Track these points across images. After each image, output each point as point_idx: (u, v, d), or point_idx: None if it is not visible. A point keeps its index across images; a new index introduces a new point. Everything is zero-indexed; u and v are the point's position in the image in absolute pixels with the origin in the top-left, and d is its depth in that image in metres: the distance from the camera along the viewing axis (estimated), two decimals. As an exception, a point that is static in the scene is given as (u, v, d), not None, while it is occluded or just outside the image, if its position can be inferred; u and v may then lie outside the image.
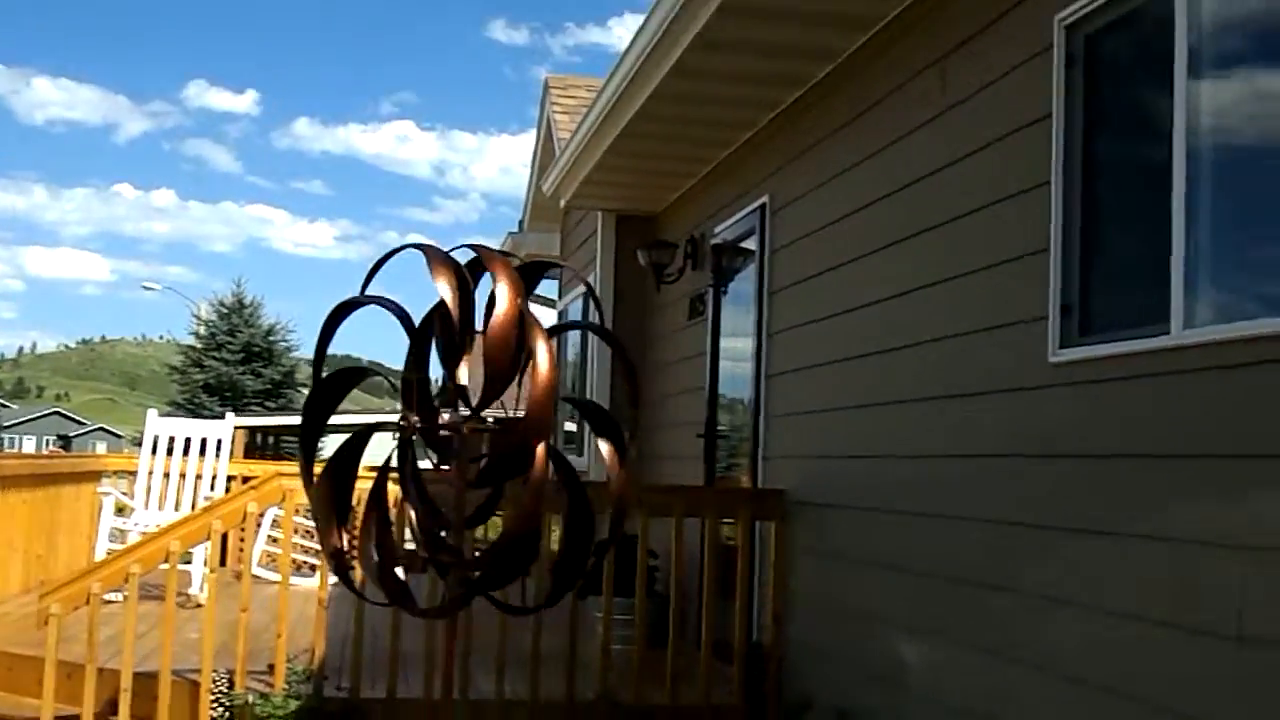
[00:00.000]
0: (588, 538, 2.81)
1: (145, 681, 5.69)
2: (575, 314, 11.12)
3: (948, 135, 4.81)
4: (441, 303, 2.56)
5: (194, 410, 30.40)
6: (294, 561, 10.12)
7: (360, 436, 2.81)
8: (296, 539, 10.33)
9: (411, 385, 2.69)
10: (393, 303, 2.72)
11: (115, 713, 5.64)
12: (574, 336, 10.97)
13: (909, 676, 4.95)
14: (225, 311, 35.09)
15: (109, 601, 6.32)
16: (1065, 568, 3.92)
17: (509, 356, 2.47)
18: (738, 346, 7.39)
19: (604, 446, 2.75)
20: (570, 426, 10.77)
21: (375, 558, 2.74)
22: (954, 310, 4.70)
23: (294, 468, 6.82)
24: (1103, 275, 3.89)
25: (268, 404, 32.48)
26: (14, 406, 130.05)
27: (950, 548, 4.67)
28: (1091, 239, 3.90)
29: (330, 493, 2.77)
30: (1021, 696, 4.15)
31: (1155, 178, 3.51)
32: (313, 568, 10.09)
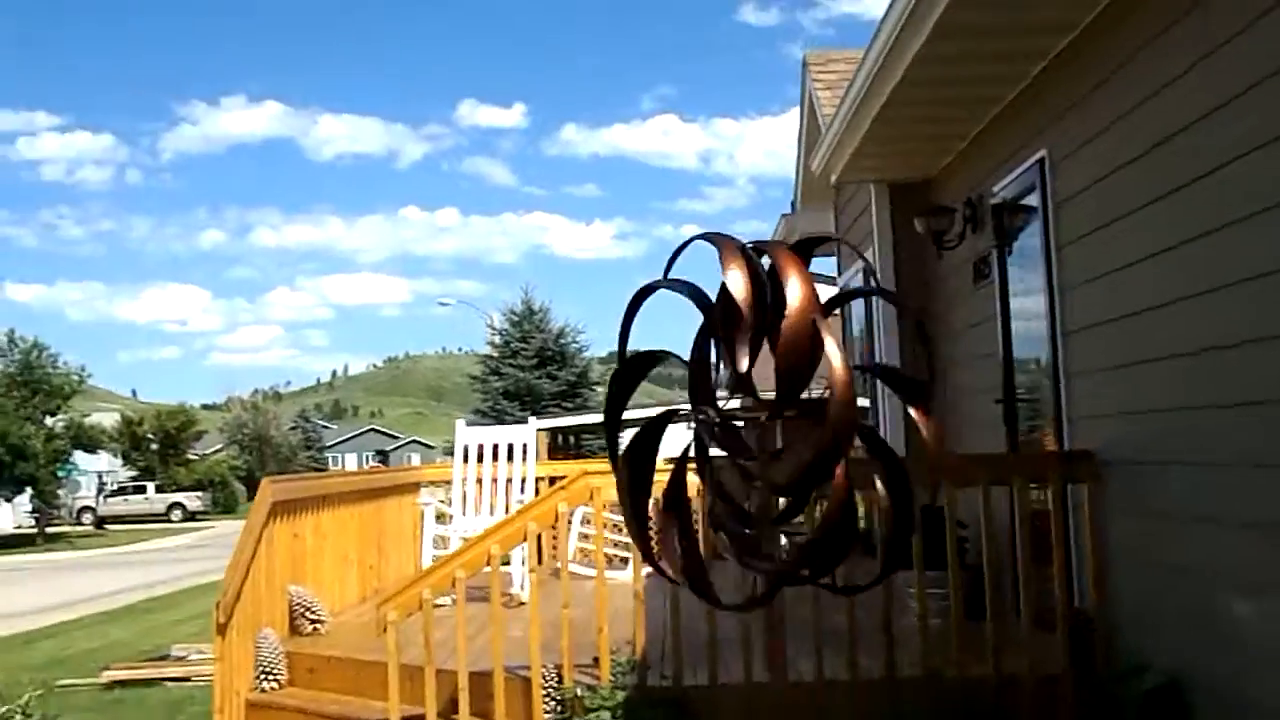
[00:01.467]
0: (909, 511, 2.79)
1: (480, 680, 5.99)
2: (856, 285, 11.02)
3: (1241, 61, 4.53)
4: (726, 292, 2.58)
5: (496, 416, 31.71)
6: (606, 556, 10.45)
7: (656, 424, 2.87)
8: (607, 534, 10.66)
9: (700, 376, 2.73)
10: (689, 284, 2.76)
11: (456, 711, 5.96)
12: (857, 311, 10.87)
13: (1244, 635, 4.71)
14: (516, 319, 36.47)
15: (439, 605, 6.67)
16: None
17: (806, 352, 2.47)
18: (1028, 307, 7.18)
19: (916, 416, 2.71)
20: (863, 402, 10.69)
21: (679, 552, 2.80)
22: (1256, 251, 4.43)
23: (599, 465, 7.03)
24: None
25: (564, 404, 33.56)
26: (334, 427, 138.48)
27: (1275, 496, 4.41)
28: None
29: (630, 482, 2.84)
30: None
31: None
32: (624, 561, 10.37)
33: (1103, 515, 5.97)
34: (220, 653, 6.78)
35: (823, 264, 13.82)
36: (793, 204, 13.32)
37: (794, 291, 2.50)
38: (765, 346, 2.65)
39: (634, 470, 2.93)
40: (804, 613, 5.84)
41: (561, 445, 23.90)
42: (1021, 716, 5.76)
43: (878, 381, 9.56)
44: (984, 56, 6.62)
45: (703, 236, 2.73)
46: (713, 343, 2.80)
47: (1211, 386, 4.95)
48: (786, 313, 2.49)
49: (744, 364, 2.54)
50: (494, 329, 37.47)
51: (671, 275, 2.82)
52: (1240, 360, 4.67)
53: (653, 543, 2.96)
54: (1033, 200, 6.94)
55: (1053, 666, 5.88)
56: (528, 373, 34.71)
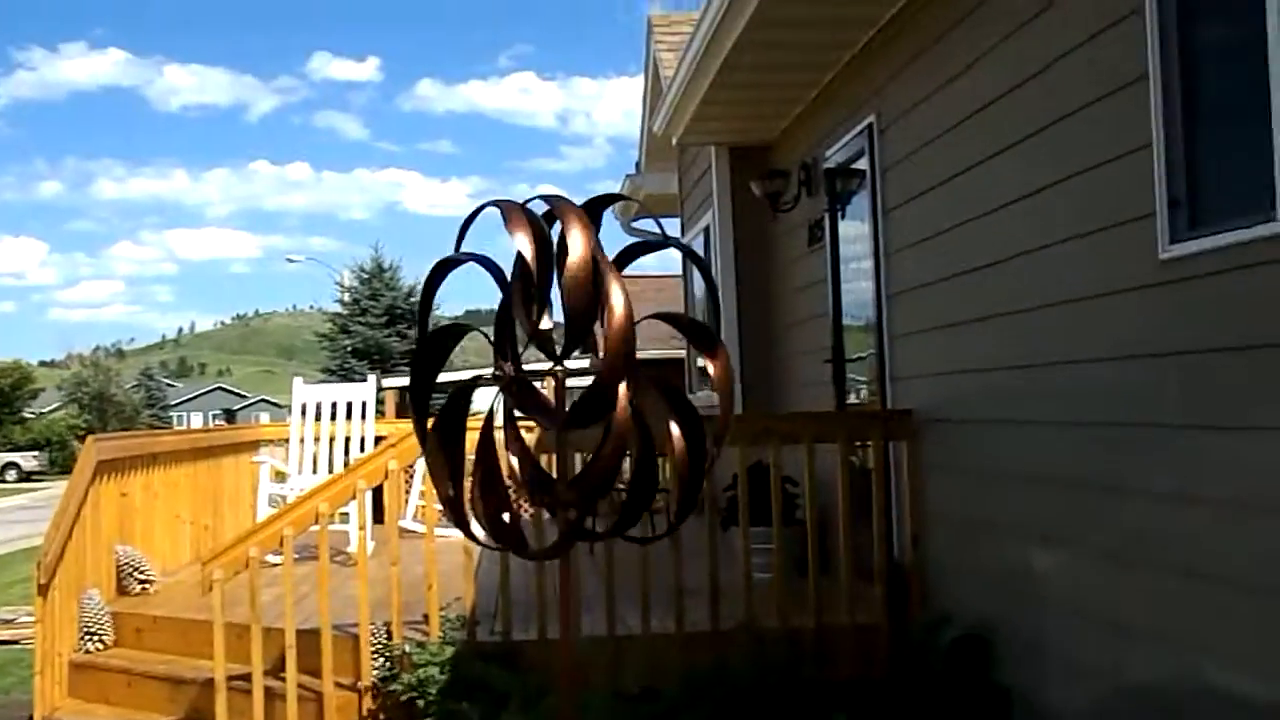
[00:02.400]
0: (699, 466, 2.88)
1: (309, 638, 5.96)
2: (699, 251, 11.14)
3: (1047, 35, 4.71)
4: (519, 255, 2.65)
5: (345, 375, 31.31)
6: (442, 513, 10.45)
7: (462, 391, 2.93)
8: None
9: (503, 338, 2.79)
10: (484, 258, 2.82)
11: (283, 669, 5.93)
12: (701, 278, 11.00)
13: (1042, 587, 4.95)
14: (366, 277, 35.97)
15: (270, 564, 6.62)
16: (1193, 466, 3.88)
17: (586, 300, 2.55)
18: (859, 269, 7.36)
19: (706, 363, 2.81)
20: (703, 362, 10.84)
21: (484, 506, 2.86)
22: (1064, 215, 4.64)
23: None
24: (1208, 167, 3.80)
25: (415, 364, 33.27)
26: (180, 385, 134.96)
27: (1076, 454, 4.64)
28: (1194, 131, 3.80)
29: (441, 446, 2.90)
30: (1150, 598, 4.13)
31: (1253, 62, 3.41)
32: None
33: (920, 472, 6.19)
34: (41, 614, 6.63)
35: (670, 225, 13.94)
36: (637, 164, 13.41)
37: (575, 241, 2.58)
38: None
39: (444, 434, 2.97)
40: (633, 570, 5.95)
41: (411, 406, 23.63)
42: (840, 664, 5.96)
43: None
44: (816, 22, 6.75)
45: (490, 204, 2.78)
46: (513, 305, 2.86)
47: (1017, 348, 5.16)
48: (568, 262, 2.57)
49: (537, 320, 2.60)
50: (343, 286, 36.98)
51: (474, 243, 2.87)
52: (1042, 322, 4.88)
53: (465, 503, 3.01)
54: (862, 165, 7.11)
55: (870, 618, 6.10)
56: (377, 331, 34.35)
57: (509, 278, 2.79)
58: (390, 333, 34.51)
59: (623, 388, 2.60)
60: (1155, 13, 3.88)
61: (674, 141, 9.79)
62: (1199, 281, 3.79)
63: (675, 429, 2.75)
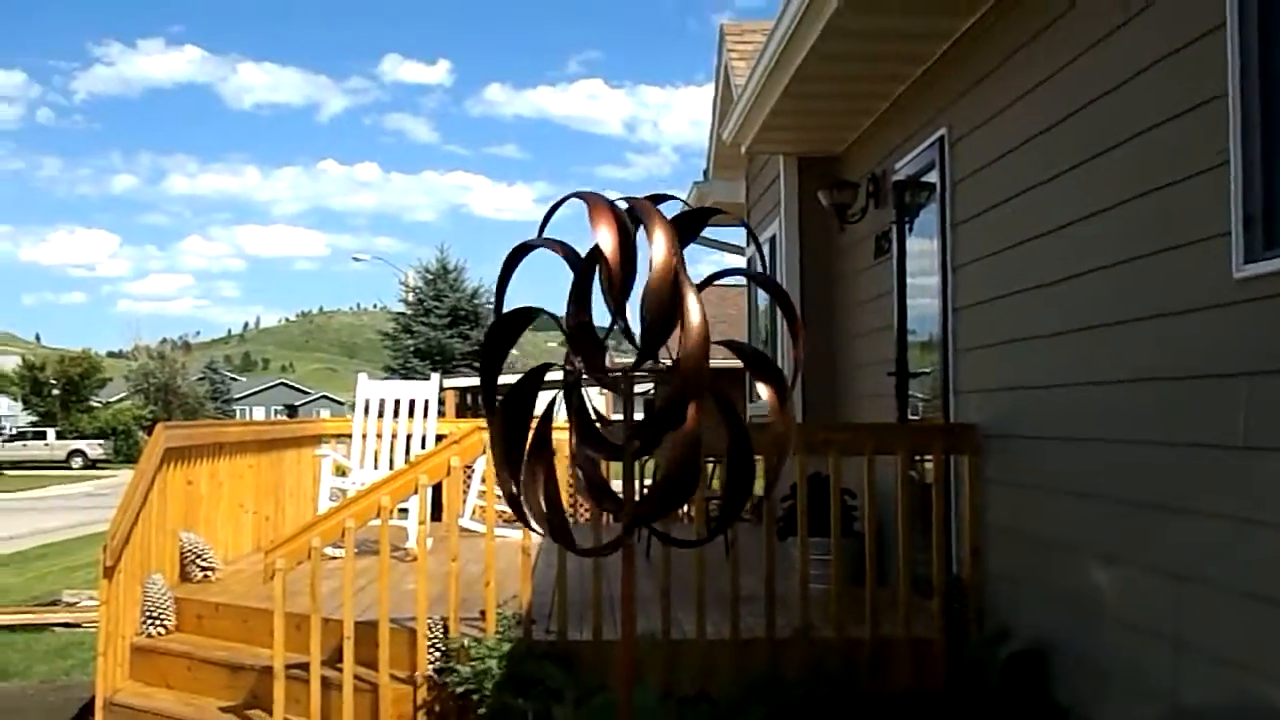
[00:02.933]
0: (748, 478, 2.89)
1: (367, 630, 6.03)
2: (766, 260, 11.14)
3: (1124, 51, 4.69)
4: (596, 249, 2.66)
5: (407, 374, 31.53)
6: (500, 513, 10.52)
7: (529, 380, 2.95)
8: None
9: (577, 329, 2.81)
10: (562, 244, 2.83)
11: (340, 659, 6.00)
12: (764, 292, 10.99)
13: (1101, 604, 4.90)
14: (431, 278, 36.24)
15: (332, 557, 6.70)
16: (1263, 488, 3.83)
17: (665, 309, 2.54)
18: (925, 283, 7.34)
19: (764, 390, 2.80)
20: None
21: (541, 501, 2.88)
22: (1136, 232, 4.60)
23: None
24: (1286, 185, 3.76)
25: (475, 365, 33.40)
26: (243, 379, 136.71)
27: (1141, 473, 4.60)
28: (1273, 148, 3.76)
29: (504, 435, 2.92)
30: (1212, 619, 4.08)
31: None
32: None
33: (982, 487, 6.15)
34: (106, 596, 6.75)
35: (732, 235, 13.96)
36: (705, 172, 13.42)
37: (659, 246, 2.58)
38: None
39: (508, 423, 3.00)
40: (689, 575, 5.97)
41: (471, 405, 23.82)
42: (895, 677, 5.93)
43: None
44: (889, 34, 6.74)
45: (575, 195, 2.80)
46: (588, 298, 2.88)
47: (1083, 365, 5.12)
48: (652, 267, 2.57)
49: (617, 315, 2.62)
50: (408, 286, 37.25)
51: (549, 234, 2.89)
52: (1111, 340, 4.84)
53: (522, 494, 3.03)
54: (932, 178, 7.09)
55: (926, 631, 6.07)
56: (439, 331, 34.56)
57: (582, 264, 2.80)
58: (453, 334, 34.71)
59: (691, 411, 2.60)
60: (1237, 30, 3.85)
61: (743, 150, 9.80)
62: (1273, 301, 3.75)
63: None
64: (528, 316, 2.93)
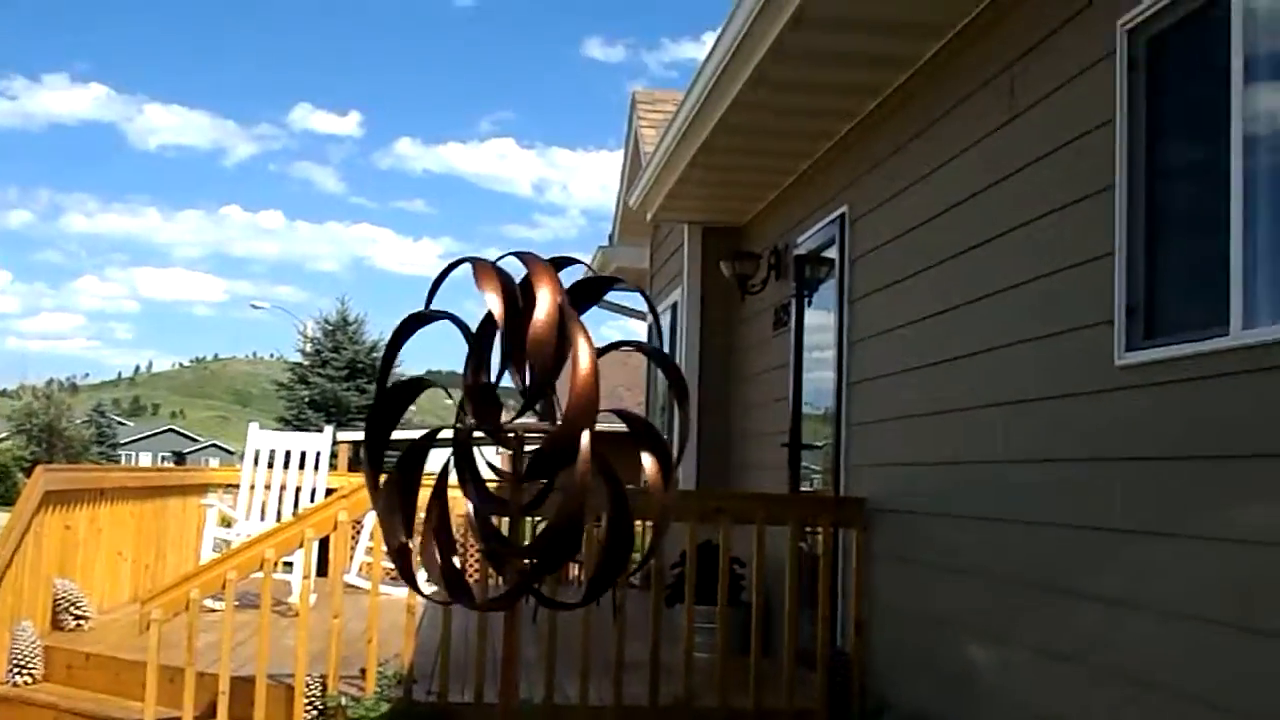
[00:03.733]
0: (626, 540, 2.91)
1: (243, 685, 5.89)
2: (667, 327, 11.20)
3: (1016, 141, 4.84)
4: (489, 313, 2.69)
5: (300, 425, 31.06)
6: (387, 570, 10.37)
7: (421, 445, 2.95)
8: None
9: (471, 391, 2.82)
10: (452, 315, 2.85)
11: (214, 715, 5.85)
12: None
13: (982, 681, 4.97)
14: (330, 329, 35.85)
15: (210, 610, 6.55)
16: (1137, 570, 3.92)
17: (550, 355, 2.58)
18: (822, 356, 7.43)
19: (647, 461, 2.83)
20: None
21: (436, 555, 2.86)
22: (1024, 315, 4.72)
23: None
24: (1167, 277, 3.89)
25: (372, 419, 33.07)
26: (131, 424, 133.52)
27: (1023, 552, 4.68)
28: (1155, 241, 3.90)
29: (396, 498, 2.91)
30: (1094, 701, 4.15)
31: (1214, 179, 3.51)
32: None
33: (869, 561, 6.21)
34: (-29, 642, 6.52)
35: (637, 299, 14.02)
36: (610, 237, 13.50)
37: (542, 296, 2.62)
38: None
39: (402, 483, 2.98)
40: (576, 641, 5.93)
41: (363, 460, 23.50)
42: (777, 750, 5.94)
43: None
44: (795, 111, 6.87)
45: (462, 260, 2.83)
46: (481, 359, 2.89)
47: (970, 444, 5.22)
48: (534, 317, 2.60)
49: (497, 379, 2.65)
50: (306, 336, 36.85)
51: (444, 300, 2.92)
52: (997, 419, 4.95)
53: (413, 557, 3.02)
54: (832, 253, 7.21)
55: (811, 702, 6.08)
56: (336, 383, 34.17)
57: (473, 333, 2.83)
58: (349, 386, 34.35)
59: (585, 441, 2.62)
60: (1125, 126, 3.99)
61: (648, 217, 9.88)
62: (1151, 390, 3.86)
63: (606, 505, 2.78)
64: (414, 389, 2.94)
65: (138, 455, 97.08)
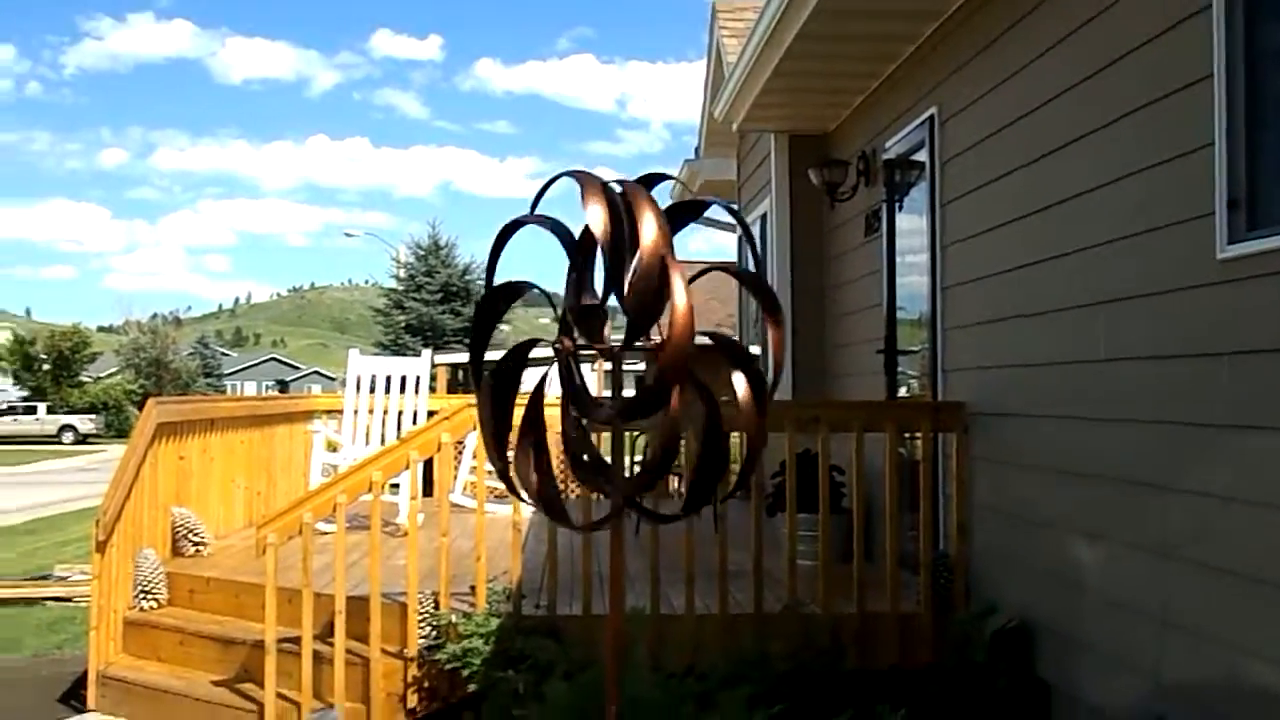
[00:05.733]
0: (719, 460, 2.93)
1: (358, 604, 6.07)
2: (757, 237, 11.14)
3: (1109, 33, 4.71)
4: (587, 229, 2.69)
5: (398, 350, 31.52)
6: (491, 489, 10.55)
7: (515, 355, 2.99)
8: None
9: (577, 306, 2.84)
10: (555, 221, 2.85)
11: (332, 634, 6.04)
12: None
13: (1085, 579, 4.96)
14: (422, 254, 36.15)
15: (322, 533, 6.73)
16: (1237, 466, 3.88)
17: (652, 293, 2.58)
18: (914, 261, 7.37)
19: (739, 381, 2.83)
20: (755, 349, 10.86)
21: (533, 477, 2.92)
22: (1122, 212, 4.64)
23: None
24: (1270, 169, 3.79)
25: (467, 341, 33.39)
26: (234, 354, 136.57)
27: (1124, 451, 4.65)
28: (1257, 131, 3.80)
29: (493, 411, 2.96)
30: (1196, 596, 4.14)
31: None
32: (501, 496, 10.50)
33: (969, 465, 6.20)
34: (98, 570, 6.79)
35: (722, 213, 13.95)
36: (697, 150, 13.42)
37: (648, 230, 2.61)
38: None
39: (496, 398, 3.03)
40: (678, 551, 6.02)
41: (462, 381, 23.80)
42: (882, 652, 6.00)
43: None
44: (879, 13, 6.75)
45: (567, 173, 2.82)
46: (581, 275, 2.91)
47: (1069, 344, 5.16)
48: (639, 250, 2.60)
49: (604, 299, 2.66)
50: (399, 262, 37.20)
51: (541, 211, 2.92)
52: (1097, 319, 4.88)
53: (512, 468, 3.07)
54: (921, 157, 7.11)
55: (915, 606, 6.13)
56: (431, 307, 34.52)
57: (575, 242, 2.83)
58: (444, 309, 34.67)
59: (675, 395, 2.64)
60: (1223, 11, 3.87)
61: (734, 127, 9.80)
62: (1255, 282, 3.79)
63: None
64: (516, 291, 2.96)
65: (242, 385, 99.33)
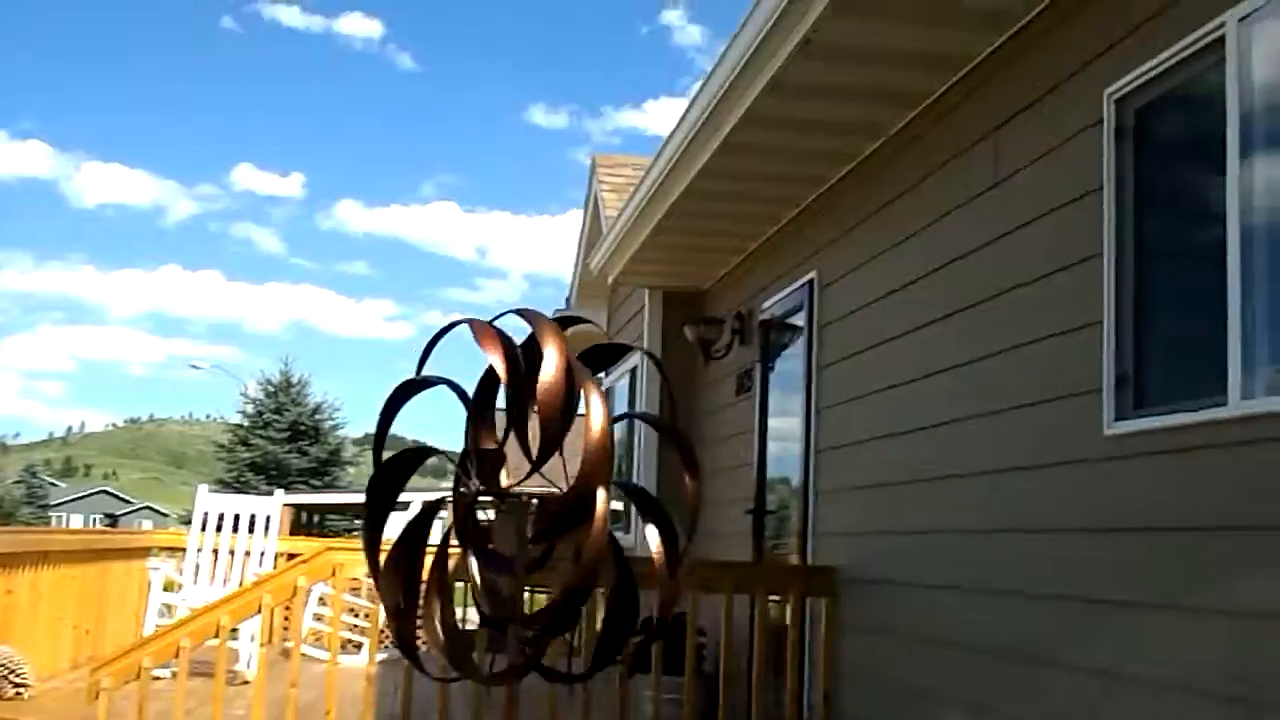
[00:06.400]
0: (631, 612, 2.81)
1: (194, 759, 5.68)
2: (621, 391, 11.09)
3: (1001, 207, 4.82)
4: (491, 371, 2.62)
5: (241, 488, 30.55)
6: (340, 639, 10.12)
7: (426, 513, 2.84)
8: (343, 617, 10.34)
9: (470, 456, 2.72)
10: (449, 380, 2.77)
11: (164, 790, 5.63)
12: (619, 428, 10.93)
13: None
14: (272, 390, 35.40)
15: (156, 678, 6.31)
16: (1123, 642, 3.86)
17: (559, 413, 2.52)
18: (785, 424, 7.37)
19: (652, 535, 2.74)
20: (617, 505, 10.72)
21: (439, 627, 2.75)
22: (1008, 384, 4.68)
23: (345, 543, 6.84)
24: (1157, 347, 3.87)
25: (313, 482, 32.64)
26: (63, 485, 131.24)
27: (1006, 624, 4.61)
28: (1145, 311, 3.88)
29: (402, 571, 2.79)
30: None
31: (1209, 250, 3.50)
32: (358, 646, 10.07)
33: (838, 631, 6.12)
34: (-94, 711, 6.25)
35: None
36: (567, 300, 13.43)
37: (550, 355, 2.57)
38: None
39: (408, 558, 2.87)
40: (541, 710, 5.78)
41: (305, 523, 23.11)
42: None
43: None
44: (765, 177, 6.86)
45: (459, 322, 2.76)
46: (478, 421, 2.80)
47: (950, 512, 5.16)
48: (541, 377, 2.54)
49: (503, 440, 2.55)
50: (247, 398, 36.37)
51: (431, 365, 2.84)
52: (977, 489, 4.89)
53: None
54: (799, 319, 7.17)
55: (779, 778, 5.96)
56: (278, 445, 33.68)
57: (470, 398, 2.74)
58: (291, 449, 33.85)
59: (601, 497, 2.54)
60: (1113, 195, 3.98)
61: (609, 280, 9.83)
62: (1143, 459, 3.82)
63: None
64: (419, 456, 2.84)
65: (69, 517, 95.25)
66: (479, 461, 2.75)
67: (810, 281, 6.97)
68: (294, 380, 35.94)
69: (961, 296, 5.09)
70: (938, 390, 5.29)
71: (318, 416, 35.40)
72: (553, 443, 2.55)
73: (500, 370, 2.55)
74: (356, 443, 41.38)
